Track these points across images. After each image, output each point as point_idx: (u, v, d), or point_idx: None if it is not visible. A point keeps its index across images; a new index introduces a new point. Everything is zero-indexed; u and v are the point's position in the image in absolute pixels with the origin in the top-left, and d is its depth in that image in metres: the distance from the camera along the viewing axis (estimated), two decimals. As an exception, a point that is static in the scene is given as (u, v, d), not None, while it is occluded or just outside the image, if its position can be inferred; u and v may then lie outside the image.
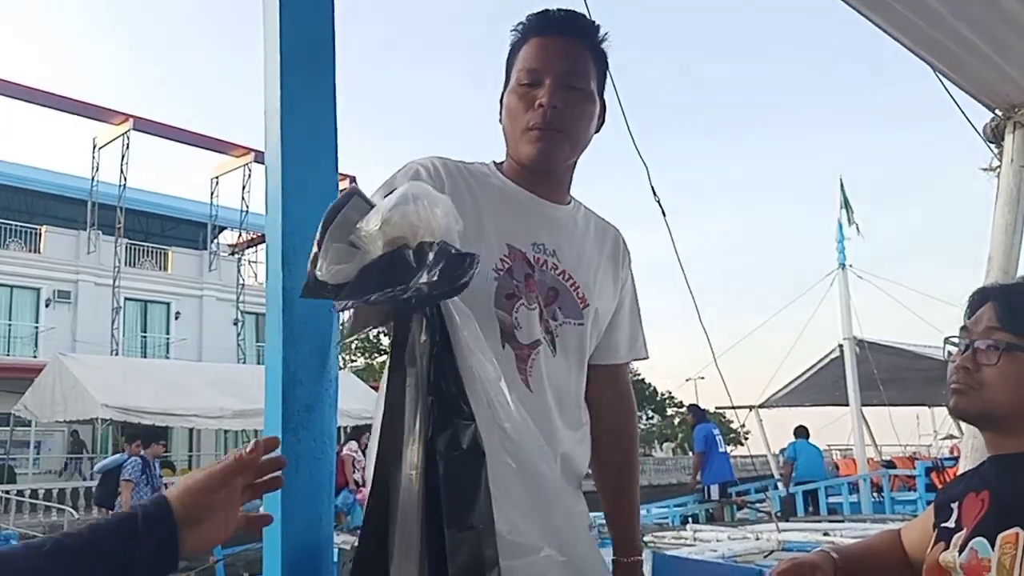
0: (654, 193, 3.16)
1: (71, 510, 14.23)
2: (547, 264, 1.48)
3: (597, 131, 1.54)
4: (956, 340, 1.51)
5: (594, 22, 1.52)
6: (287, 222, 1.37)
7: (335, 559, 2.62)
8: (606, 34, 1.52)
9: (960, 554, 1.36)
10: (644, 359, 1.69)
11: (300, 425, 1.35)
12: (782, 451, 11.46)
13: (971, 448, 2.49)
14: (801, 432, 11.05)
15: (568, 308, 1.47)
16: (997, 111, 2.90)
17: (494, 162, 1.55)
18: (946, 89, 2.77)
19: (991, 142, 2.95)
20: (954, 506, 1.46)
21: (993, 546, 1.31)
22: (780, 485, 10.90)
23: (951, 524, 1.44)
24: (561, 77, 1.44)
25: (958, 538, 1.39)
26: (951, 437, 15.86)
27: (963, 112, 2.92)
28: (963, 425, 2.13)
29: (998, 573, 1.29)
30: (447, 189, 1.38)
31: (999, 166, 2.92)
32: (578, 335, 1.49)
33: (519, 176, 1.51)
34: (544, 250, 1.48)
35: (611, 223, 1.64)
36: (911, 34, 2.44)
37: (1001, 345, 1.40)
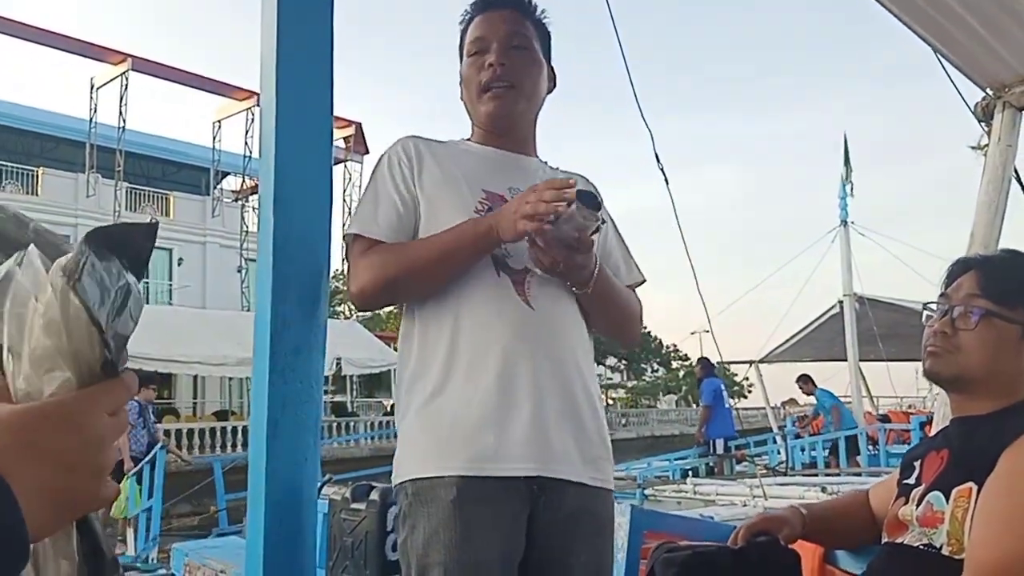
0: (658, 160, 3.15)
1: None
2: None
3: (549, 92, 1.70)
4: (935, 306, 1.57)
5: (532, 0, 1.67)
6: (280, 167, 1.36)
7: (325, 508, 2.63)
8: (544, 10, 1.68)
9: (917, 507, 1.45)
10: (642, 282, 1.75)
11: (287, 367, 1.35)
12: (820, 406, 11.34)
13: (941, 416, 2.60)
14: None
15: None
16: (988, 90, 2.95)
17: (463, 138, 1.69)
18: (942, 66, 2.80)
19: (981, 120, 3.00)
20: (916, 464, 1.54)
21: (948, 499, 1.39)
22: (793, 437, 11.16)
23: (912, 480, 1.52)
24: (505, 39, 1.59)
25: (916, 492, 1.47)
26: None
27: (957, 89, 2.96)
28: (935, 388, 2.19)
29: (950, 525, 1.36)
30: (415, 164, 1.57)
31: (987, 144, 2.97)
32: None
33: (485, 139, 1.65)
34: (520, 192, 1.53)
35: (576, 173, 1.71)
36: (909, 11, 2.49)
37: (980, 311, 1.46)
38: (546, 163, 1.71)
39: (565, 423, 1.46)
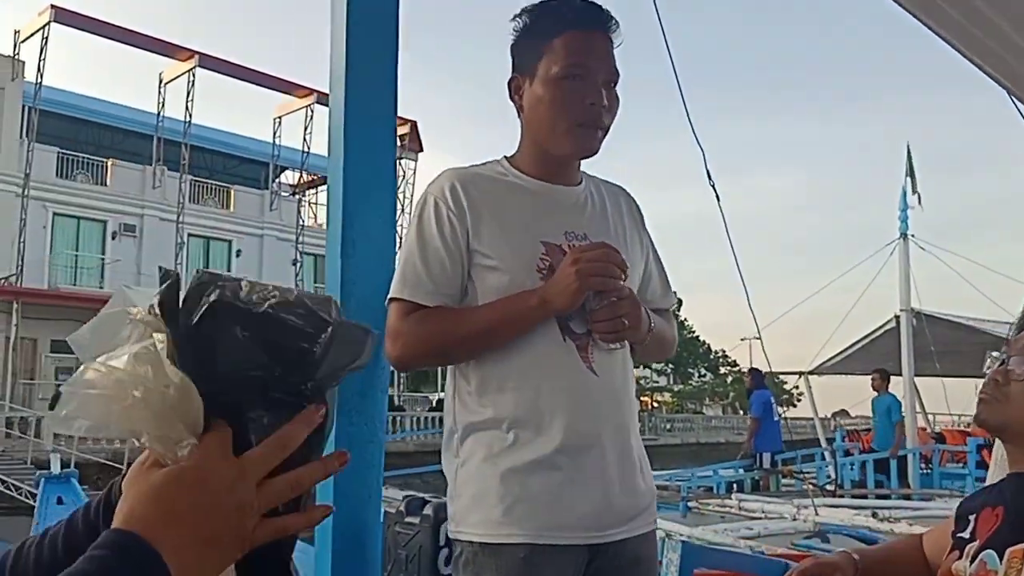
0: (709, 177, 3.15)
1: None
2: None
3: None
4: (996, 354, 1.58)
5: (609, 12, 1.57)
6: (348, 223, 1.45)
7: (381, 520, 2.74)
8: (618, 22, 1.57)
9: (971, 564, 1.44)
10: (671, 307, 1.76)
11: (354, 409, 1.44)
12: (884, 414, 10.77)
13: (1001, 456, 2.53)
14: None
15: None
16: None
17: (505, 157, 1.60)
18: (1017, 108, 2.76)
19: None
20: (971, 518, 1.53)
21: (1001, 559, 1.38)
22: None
23: (966, 535, 1.51)
24: (605, 76, 1.51)
25: (970, 548, 1.47)
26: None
27: None
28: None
29: None
30: (468, 215, 1.48)
31: None
32: None
33: (536, 167, 1.57)
34: (576, 236, 1.54)
35: (615, 183, 1.71)
36: (983, 55, 2.47)
37: None
38: (586, 176, 1.65)
39: (625, 488, 1.51)
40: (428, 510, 2.62)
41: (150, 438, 0.63)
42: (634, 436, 1.56)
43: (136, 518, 0.61)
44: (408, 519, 2.64)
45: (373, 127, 1.53)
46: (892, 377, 10.88)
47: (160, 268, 0.71)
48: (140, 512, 0.61)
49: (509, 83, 1.58)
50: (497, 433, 1.45)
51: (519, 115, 1.58)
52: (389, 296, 1.49)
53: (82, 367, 0.64)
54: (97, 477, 13.18)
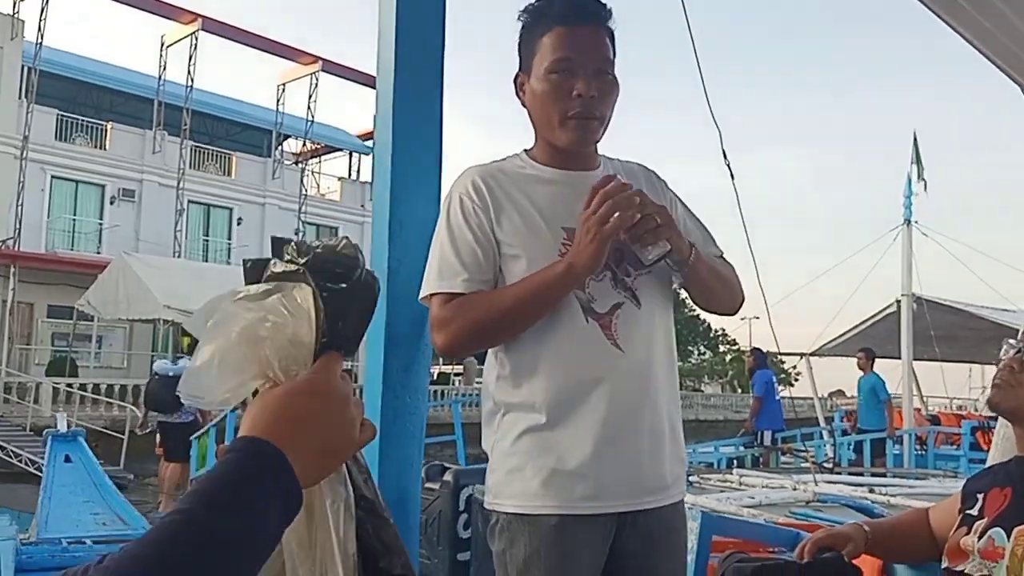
0: (725, 157, 3.14)
1: (132, 407, 14.58)
2: None
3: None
4: (1014, 342, 1.69)
5: (604, 3, 1.61)
6: (395, 196, 1.47)
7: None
8: (611, 10, 1.62)
9: (979, 540, 1.54)
10: (720, 254, 1.78)
11: (399, 383, 1.48)
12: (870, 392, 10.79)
13: (1002, 437, 2.67)
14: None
15: (636, 261, 1.57)
16: None
17: (525, 150, 1.67)
18: None
19: None
20: (979, 496, 1.63)
21: (1009, 536, 1.48)
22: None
23: (974, 512, 1.61)
24: (593, 66, 1.56)
25: (979, 525, 1.56)
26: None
27: None
28: (1000, 418, 2.34)
29: (1010, 561, 1.46)
30: (491, 207, 1.55)
31: None
32: (656, 279, 1.61)
33: (553, 158, 1.63)
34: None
35: (633, 162, 1.75)
36: (996, 49, 2.52)
37: None
38: (603, 159, 1.69)
39: (655, 458, 1.58)
40: (448, 476, 2.67)
41: (277, 366, 0.73)
42: (665, 406, 1.61)
43: (264, 424, 0.68)
44: (428, 485, 2.70)
45: (421, 109, 1.55)
46: (890, 360, 10.95)
47: (274, 238, 0.82)
48: (266, 420, 0.69)
49: (515, 80, 1.65)
50: (531, 413, 1.53)
51: (527, 110, 1.65)
52: (426, 292, 1.54)
53: (226, 304, 0.75)
54: (95, 444, 13.23)
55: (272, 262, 0.78)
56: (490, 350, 1.60)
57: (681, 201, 1.75)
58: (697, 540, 1.96)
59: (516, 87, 1.65)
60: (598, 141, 1.63)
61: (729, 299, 1.74)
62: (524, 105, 1.64)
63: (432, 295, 1.54)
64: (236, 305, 0.74)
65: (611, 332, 1.54)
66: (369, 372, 1.51)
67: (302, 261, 0.76)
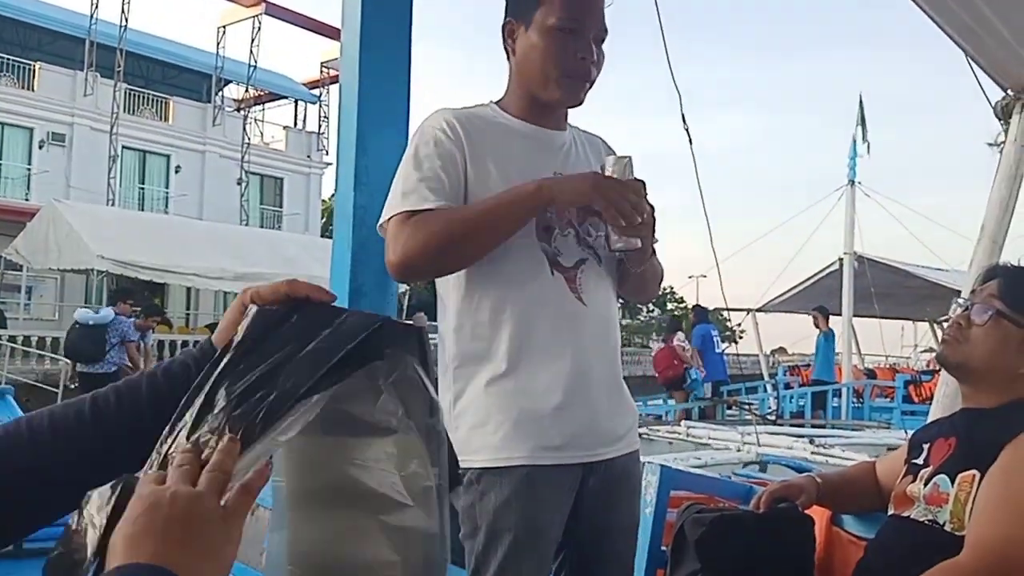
0: (684, 121, 3.15)
1: (65, 360, 14.27)
2: None
3: None
4: (961, 300, 1.79)
5: None
6: (361, 142, 1.40)
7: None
8: None
9: (924, 486, 1.63)
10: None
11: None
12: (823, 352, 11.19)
13: (943, 394, 2.85)
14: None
15: (598, 221, 1.58)
16: (1009, 91, 3.06)
17: (494, 102, 1.65)
18: (970, 66, 2.91)
19: (1000, 119, 3.13)
20: (925, 446, 1.73)
21: (953, 482, 1.57)
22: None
23: (920, 461, 1.71)
24: (596, 31, 1.57)
25: (924, 473, 1.66)
26: (931, 350, 16.47)
27: (981, 87, 3.08)
28: (943, 372, 2.51)
29: (954, 505, 1.55)
30: (466, 147, 1.52)
31: (1003, 142, 3.11)
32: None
33: (529, 113, 1.62)
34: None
35: (594, 134, 1.77)
36: (942, 12, 2.59)
37: (993, 310, 1.64)
38: (573, 127, 1.71)
39: (613, 410, 1.62)
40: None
41: None
42: (618, 362, 1.68)
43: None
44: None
45: (387, 56, 1.49)
46: (832, 317, 11.31)
47: None
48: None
49: (503, 27, 1.62)
50: (491, 364, 1.52)
51: (509, 59, 1.63)
52: (385, 217, 1.49)
53: None
54: (27, 399, 12.76)
55: None
56: (448, 301, 1.57)
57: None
58: (656, 494, 1.99)
59: (503, 34, 1.62)
60: (580, 104, 1.64)
61: (649, 294, 1.82)
62: (510, 53, 1.62)
63: (391, 217, 1.49)
64: None
65: (575, 286, 1.56)
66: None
67: None
